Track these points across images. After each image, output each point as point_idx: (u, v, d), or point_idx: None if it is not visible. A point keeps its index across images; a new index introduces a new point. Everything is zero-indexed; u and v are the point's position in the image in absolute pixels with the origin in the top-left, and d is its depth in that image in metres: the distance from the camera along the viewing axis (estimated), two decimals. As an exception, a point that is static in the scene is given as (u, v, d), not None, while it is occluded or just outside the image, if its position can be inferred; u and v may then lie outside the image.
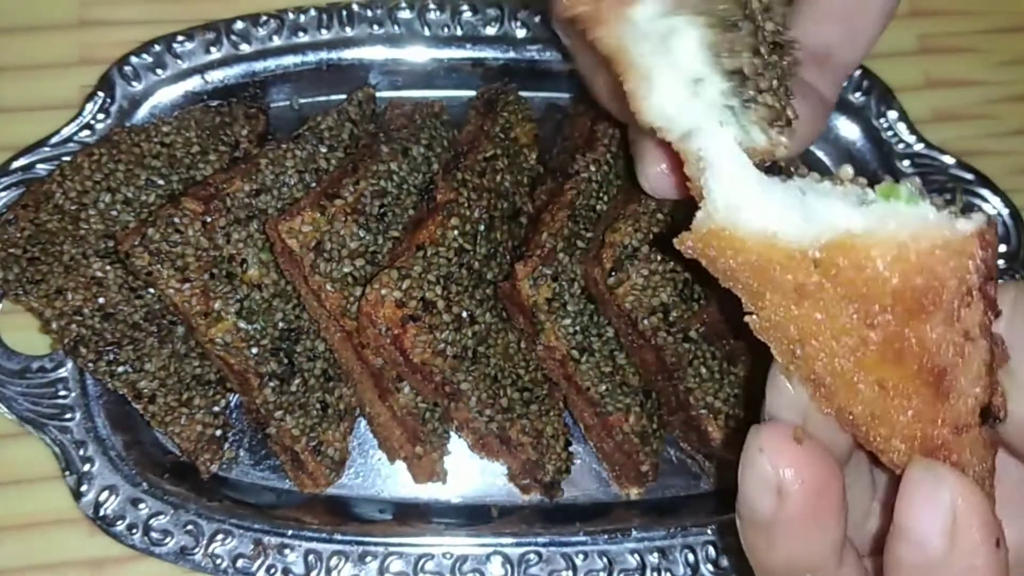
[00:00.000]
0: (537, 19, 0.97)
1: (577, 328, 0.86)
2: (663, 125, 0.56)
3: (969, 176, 0.98)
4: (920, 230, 0.51)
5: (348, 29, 0.97)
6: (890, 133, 0.99)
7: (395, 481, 0.92)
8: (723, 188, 0.54)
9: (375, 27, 0.97)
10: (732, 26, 0.55)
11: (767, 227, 0.53)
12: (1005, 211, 0.98)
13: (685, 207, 0.59)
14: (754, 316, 0.55)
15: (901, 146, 0.99)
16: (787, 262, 0.53)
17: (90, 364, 0.86)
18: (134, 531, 0.85)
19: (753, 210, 0.53)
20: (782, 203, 0.53)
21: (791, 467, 0.53)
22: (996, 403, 0.53)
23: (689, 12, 0.54)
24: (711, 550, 0.87)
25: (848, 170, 0.54)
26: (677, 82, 0.55)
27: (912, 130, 0.99)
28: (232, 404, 0.91)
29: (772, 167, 0.57)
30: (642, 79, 0.55)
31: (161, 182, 0.90)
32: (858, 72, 0.99)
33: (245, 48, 0.96)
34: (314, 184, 0.89)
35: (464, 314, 0.84)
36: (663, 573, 0.86)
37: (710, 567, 0.86)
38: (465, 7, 0.98)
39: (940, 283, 0.51)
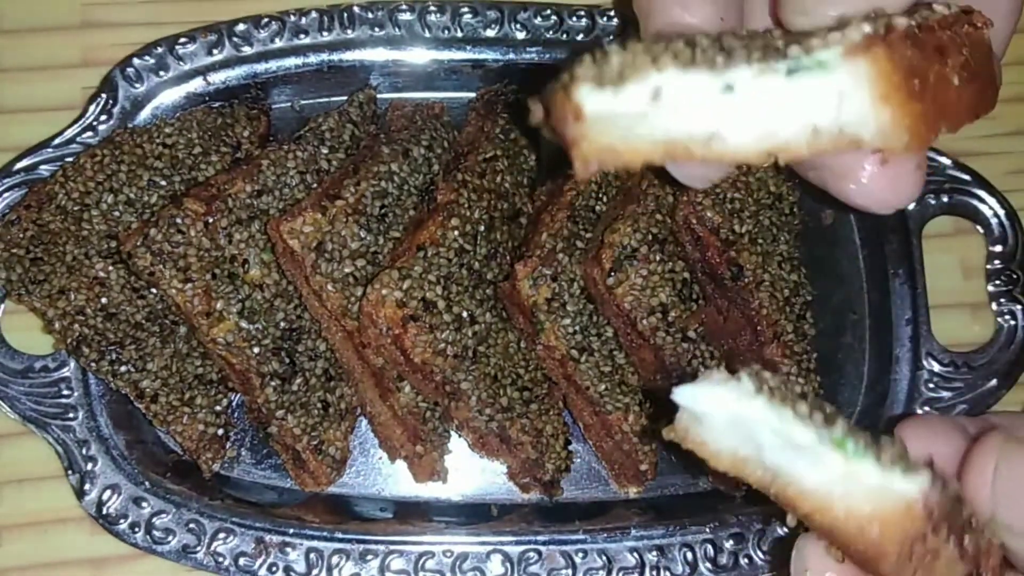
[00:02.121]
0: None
1: (576, 328, 0.86)
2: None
3: (966, 177, 0.99)
4: (862, 497, 0.51)
5: (349, 31, 0.97)
6: (887, 134, 0.99)
7: (396, 480, 0.92)
8: (700, 397, 0.53)
9: (376, 29, 0.97)
10: None
11: (735, 449, 0.54)
12: (1002, 212, 0.99)
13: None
14: None
15: (898, 147, 0.99)
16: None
17: (92, 364, 0.86)
18: (136, 530, 0.86)
19: (722, 431, 0.54)
20: (747, 436, 0.53)
21: None
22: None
23: None
24: (709, 548, 0.87)
25: (803, 408, 0.53)
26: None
27: (909, 131, 0.99)
28: (234, 403, 0.91)
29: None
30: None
31: (163, 183, 0.90)
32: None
33: (247, 50, 0.96)
34: (315, 185, 0.89)
35: (464, 314, 0.84)
36: (662, 571, 0.87)
37: (708, 565, 0.87)
38: (465, 9, 0.98)
39: (879, 550, 0.52)
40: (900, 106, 0.50)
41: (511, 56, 0.99)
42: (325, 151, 0.91)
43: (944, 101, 0.53)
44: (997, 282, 0.98)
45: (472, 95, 1.00)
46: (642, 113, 0.50)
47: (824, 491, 0.52)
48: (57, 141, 0.93)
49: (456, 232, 0.85)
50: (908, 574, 0.53)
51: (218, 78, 0.96)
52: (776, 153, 0.51)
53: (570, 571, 0.87)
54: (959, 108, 0.55)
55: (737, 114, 0.50)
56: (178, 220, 0.84)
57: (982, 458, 0.58)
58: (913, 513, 0.51)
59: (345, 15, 0.97)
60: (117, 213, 0.89)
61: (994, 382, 0.94)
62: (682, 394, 0.53)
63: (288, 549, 0.86)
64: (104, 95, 0.94)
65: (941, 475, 0.53)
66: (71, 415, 0.88)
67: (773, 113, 0.50)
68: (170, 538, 0.86)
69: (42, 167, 0.92)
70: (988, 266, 0.99)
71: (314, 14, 0.97)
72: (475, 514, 0.91)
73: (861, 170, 0.60)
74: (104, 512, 0.86)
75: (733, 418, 0.53)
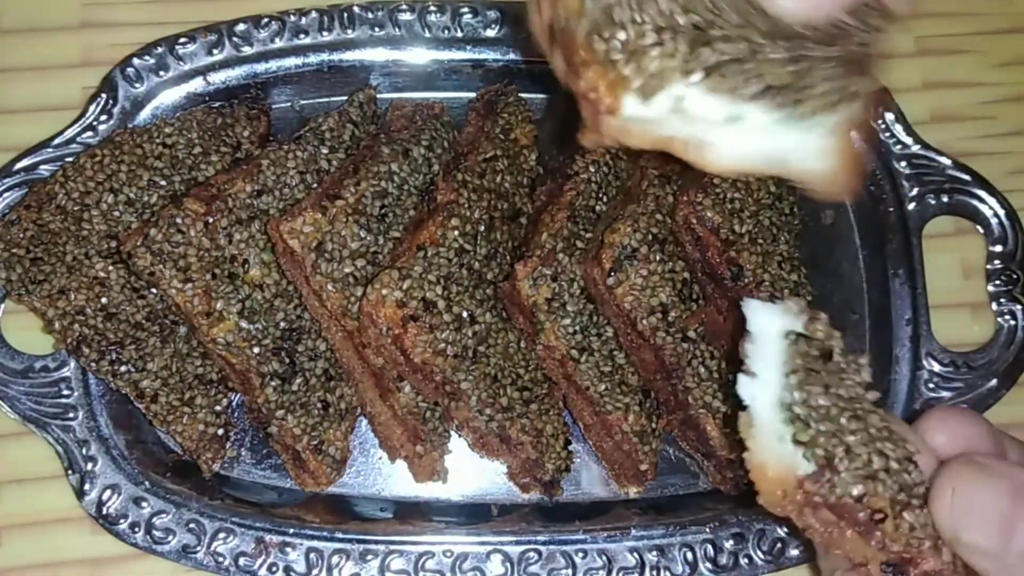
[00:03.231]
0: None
1: (576, 328, 0.86)
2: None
3: (966, 177, 0.99)
4: (768, 449, 0.62)
5: (349, 31, 0.97)
6: (888, 134, 0.99)
7: (396, 480, 0.92)
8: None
9: (376, 29, 0.97)
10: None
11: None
12: (1002, 212, 0.99)
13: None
14: None
15: (898, 147, 0.99)
16: None
17: (93, 364, 0.86)
18: (136, 530, 0.86)
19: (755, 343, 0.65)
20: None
21: None
22: None
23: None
24: (709, 548, 0.87)
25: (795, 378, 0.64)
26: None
27: (909, 131, 0.99)
28: (234, 403, 0.91)
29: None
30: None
31: (163, 183, 0.90)
32: (856, 74, 1.00)
33: (247, 50, 0.96)
34: (315, 185, 0.89)
35: (464, 314, 0.84)
36: (662, 571, 0.87)
37: (708, 565, 0.87)
38: (465, 9, 0.98)
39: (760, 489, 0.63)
40: (852, 176, 0.64)
41: (511, 56, 0.99)
42: (325, 151, 0.91)
43: (860, 159, 0.66)
44: (997, 282, 0.98)
45: (472, 95, 1.00)
46: (661, 117, 0.58)
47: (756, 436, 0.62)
48: (57, 141, 0.93)
49: (456, 232, 0.85)
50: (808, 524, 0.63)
51: (218, 78, 0.97)
52: (744, 170, 0.62)
53: (570, 571, 0.87)
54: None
55: (733, 136, 0.59)
56: (178, 220, 0.84)
57: (942, 482, 0.62)
58: (786, 482, 0.61)
59: (345, 15, 0.97)
60: (117, 213, 0.89)
61: (994, 382, 0.94)
62: (749, 306, 0.65)
63: (288, 549, 0.86)
64: (104, 95, 0.94)
65: (835, 473, 0.61)
66: (71, 415, 0.88)
67: (760, 143, 0.60)
68: (170, 538, 0.86)
69: (42, 167, 0.92)
70: (988, 266, 0.99)
71: (314, 14, 0.97)
72: (475, 514, 0.91)
73: None
74: (104, 512, 0.86)
75: (763, 342, 0.64)
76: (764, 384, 0.63)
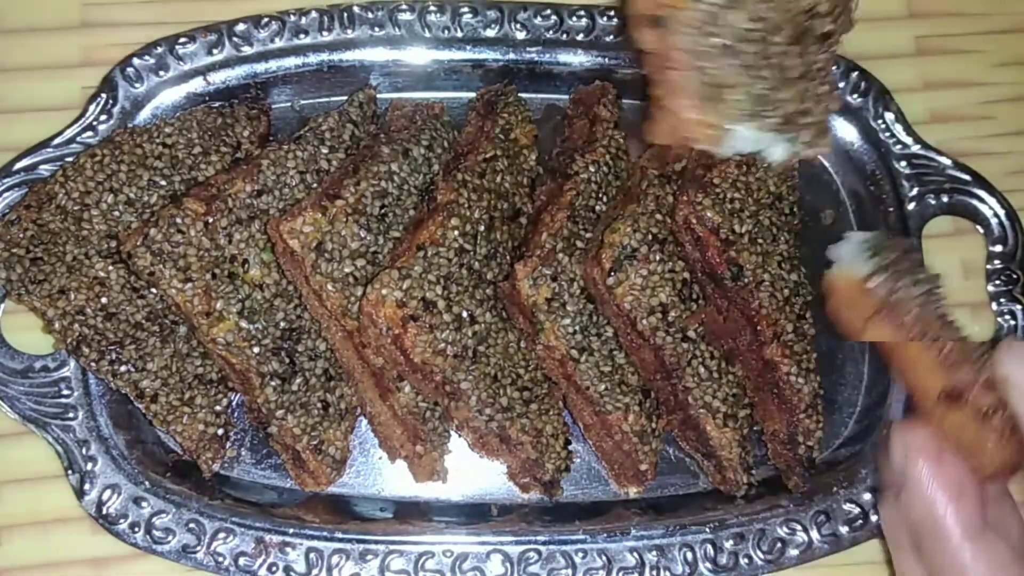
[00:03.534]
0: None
1: (576, 328, 0.86)
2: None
3: (966, 177, 0.99)
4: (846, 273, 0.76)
5: (349, 31, 0.97)
6: (887, 134, 0.99)
7: (396, 480, 0.92)
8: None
9: (376, 29, 0.97)
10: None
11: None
12: (1002, 212, 0.98)
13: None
14: None
15: (898, 147, 0.99)
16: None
17: (92, 363, 0.86)
18: (136, 530, 0.86)
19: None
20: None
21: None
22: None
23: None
24: (709, 548, 0.87)
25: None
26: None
27: (909, 131, 1.00)
28: (234, 403, 0.91)
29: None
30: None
31: (163, 183, 0.90)
32: (855, 73, 1.00)
33: (247, 50, 0.96)
34: (315, 185, 0.89)
35: (464, 314, 0.84)
36: (661, 571, 0.87)
37: (708, 565, 0.87)
38: (465, 9, 0.98)
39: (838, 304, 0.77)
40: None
41: (511, 56, 0.99)
42: (325, 151, 0.91)
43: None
44: (997, 282, 0.98)
45: (472, 95, 1.00)
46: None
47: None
48: (57, 141, 0.93)
49: (456, 232, 0.85)
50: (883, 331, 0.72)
51: (218, 78, 0.97)
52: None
53: (570, 571, 0.87)
54: None
55: (744, 142, 0.80)
56: (178, 220, 0.84)
57: (1009, 340, 0.71)
58: (856, 289, 0.73)
59: (345, 15, 0.97)
60: (117, 213, 0.89)
61: (994, 382, 0.94)
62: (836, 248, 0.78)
63: (288, 549, 0.86)
64: (104, 95, 0.94)
65: (898, 276, 0.73)
66: (71, 415, 0.88)
67: (756, 146, 0.82)
68: (170, 538, 0.86)
69: (42, 167, 0.92)
70: (988, 266, 0.99)
71: (314, 14, 0.97)
72: (475, 514, 0.91)
73: None
74: (104, 512, 0.86)
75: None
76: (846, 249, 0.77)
